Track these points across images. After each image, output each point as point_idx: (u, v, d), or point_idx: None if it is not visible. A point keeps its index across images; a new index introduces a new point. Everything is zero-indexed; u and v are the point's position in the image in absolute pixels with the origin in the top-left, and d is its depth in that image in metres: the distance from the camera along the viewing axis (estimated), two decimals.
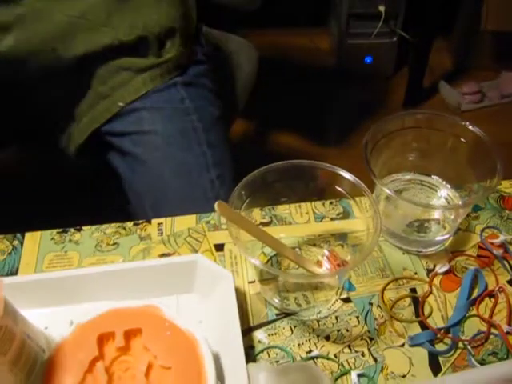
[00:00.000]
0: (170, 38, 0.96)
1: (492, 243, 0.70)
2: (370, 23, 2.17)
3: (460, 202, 0.70)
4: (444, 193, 0.72)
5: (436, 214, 0.70)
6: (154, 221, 0.73)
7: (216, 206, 0.56)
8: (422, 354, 0.60)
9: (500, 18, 2.06)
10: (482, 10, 2.05)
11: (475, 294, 0.65)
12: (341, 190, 0.63)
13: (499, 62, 2.26)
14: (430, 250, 0.69)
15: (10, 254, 0.69)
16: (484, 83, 2.21)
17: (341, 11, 2.19)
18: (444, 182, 0.72)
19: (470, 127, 0.67)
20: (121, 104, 0.95)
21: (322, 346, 0.60)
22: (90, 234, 0.71)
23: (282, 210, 0.73)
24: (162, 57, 0.96)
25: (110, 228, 0.72)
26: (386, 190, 0.62)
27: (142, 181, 0.95)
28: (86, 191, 1.51)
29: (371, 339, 0.61)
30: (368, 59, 2.28)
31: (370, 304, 0.64)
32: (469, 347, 0.61)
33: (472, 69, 2.31)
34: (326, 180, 0.63)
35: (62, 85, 0.95)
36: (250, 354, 0.59)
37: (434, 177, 0.72)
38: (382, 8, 2.11)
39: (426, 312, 0.64)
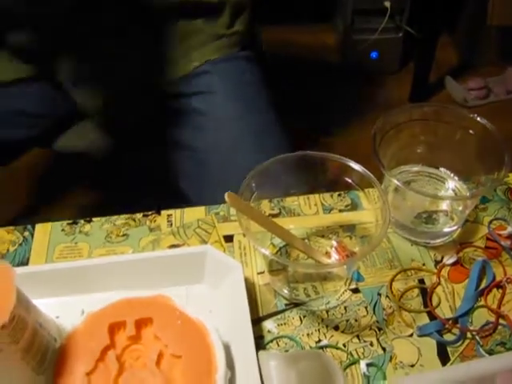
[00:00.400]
0: (241, 11, 1.02)
1: (500, 234, 0.70)
2: (375, 19, 2.17)
3: (468, 194, 0.70)
4: (452, 185, 0.72)
5: (444, 206, 0.70)
6: (164, 212, 0.73)
7: (226, 196, 0.56)
8: (430, 344, 0.60)
9: (506, 13, 2.06)
10: (488, 5, 2.05)
11: (483, 284, 0.66)
12: (350, 181, 0.63)
13: (505, 58, 2.26)
14: (438, 241, 0.70)
15: (20, 244, 0.70)
16: (490, 79, 2.21)
17: (346, 7, 2.19)
18: (452, 174, 0.72)
19: (478, 119, 0.67)
20: (196, 64, 0.99)
21: (331, 336, 0.61)
22: (99, 226, 0.72)
23: (291, 201, 0.74)
24: (231, 28, 1.01)
25: (119, 219, 0.72)
26: (395, 181, 0.62)
27: (211, 138, 0.97)
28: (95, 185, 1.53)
29: (380, 329, 0.62)
30: (374, 55, 2.28)
31: (379, 294, 0.65)
32: (477, 337, 0.61)
33: (478, 64, 2.31)
34: (334, 171, 0.63)
35: (143, 37, 0.98)
36: (260, 344, 0.60)
37: (442, 169, 0.73)
38: (387, 3, 2.11)
39: (434, 302, 0.64)
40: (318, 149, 0.63)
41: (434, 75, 2.19)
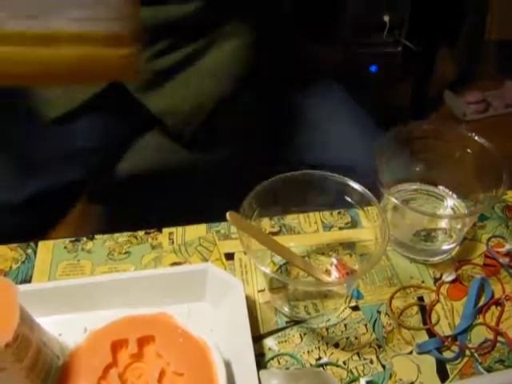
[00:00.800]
0: None
1: (498, 252, 0.71)
2: (374, 33, 2.18)
3: (466, 212, 0.71)
4: (450, 203, 0.73)
5: (443, 224, 0.71)
6: (165, 230, 0.74)
7: (228, 215, 0.57)
8: (429, 362, 0.61)
9: (504, 27, 2.07)
10: (487, 20, 2.06)
11: (482, 302, 0.66)
12: (349, 199, 0.64)
13: (503, 72, 2.27)
14: (437, 258, 0.70)
15: (23, 262, 0.70)
16: (488, 92, 2.22)
17: (345, 20, 2.20)
18: (450, 192, 0.73)
19: (476, 138, 0.68)
20: None
21: (332, 354, 0.61)
22: (102, 243, 0.72)
23: (291, 219, 0.74)
24: None
25: (121, 237, 0.73)
26: (394, 200, 0.63)
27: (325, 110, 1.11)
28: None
29: (379, 347, 0.62)
30: (372, 68, 2.29)
31: (378, 312, 0.65)
32: (476, 355, 0.61)
33: (476, 78, 2.32)
34: (335, 190, 0.64)
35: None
36: (261, 361, 0.60)
37: (441, 187, 0.73)
38: (386, 18, 2.12)
39: (434, 320, 0.64)
40: None
41: (433, 89, 2.20)
